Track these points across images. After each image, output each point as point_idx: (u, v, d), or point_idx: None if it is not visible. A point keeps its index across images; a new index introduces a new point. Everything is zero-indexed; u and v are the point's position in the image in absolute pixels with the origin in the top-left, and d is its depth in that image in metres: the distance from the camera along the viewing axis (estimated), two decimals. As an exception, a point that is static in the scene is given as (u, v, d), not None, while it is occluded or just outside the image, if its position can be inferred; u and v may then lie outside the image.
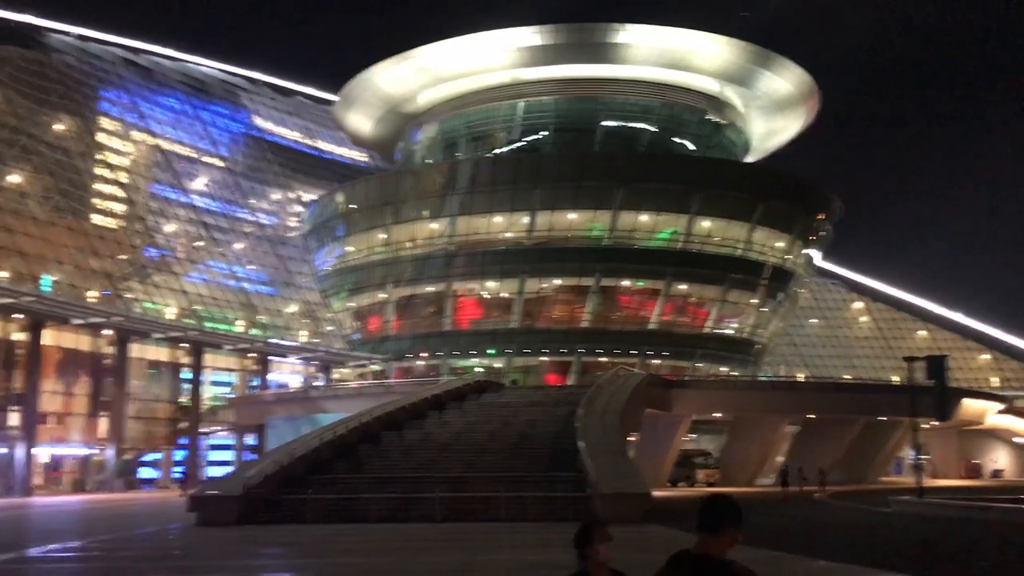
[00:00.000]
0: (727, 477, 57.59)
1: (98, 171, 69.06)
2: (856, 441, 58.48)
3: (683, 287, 69.15)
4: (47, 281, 54.66)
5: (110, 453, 56.69)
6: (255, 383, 70.28)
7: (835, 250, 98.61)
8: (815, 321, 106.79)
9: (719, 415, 61.04)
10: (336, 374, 75.14)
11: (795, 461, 56.10)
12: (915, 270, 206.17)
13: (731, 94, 77.87)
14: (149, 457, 62.80)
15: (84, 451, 56.90)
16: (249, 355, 69.01)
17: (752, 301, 71.69)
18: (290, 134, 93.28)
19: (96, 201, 67.56)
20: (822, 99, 78.85)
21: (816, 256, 78.93)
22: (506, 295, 68.36)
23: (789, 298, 76.13)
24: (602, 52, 72.49)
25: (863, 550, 21.26)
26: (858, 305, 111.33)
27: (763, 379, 74.17)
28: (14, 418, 51.25)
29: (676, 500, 41.56)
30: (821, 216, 73.45)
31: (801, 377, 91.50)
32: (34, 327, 51.57)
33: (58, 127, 66.76)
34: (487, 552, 20.69)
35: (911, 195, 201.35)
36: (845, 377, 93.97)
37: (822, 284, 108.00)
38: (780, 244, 70.88)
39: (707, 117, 79.18)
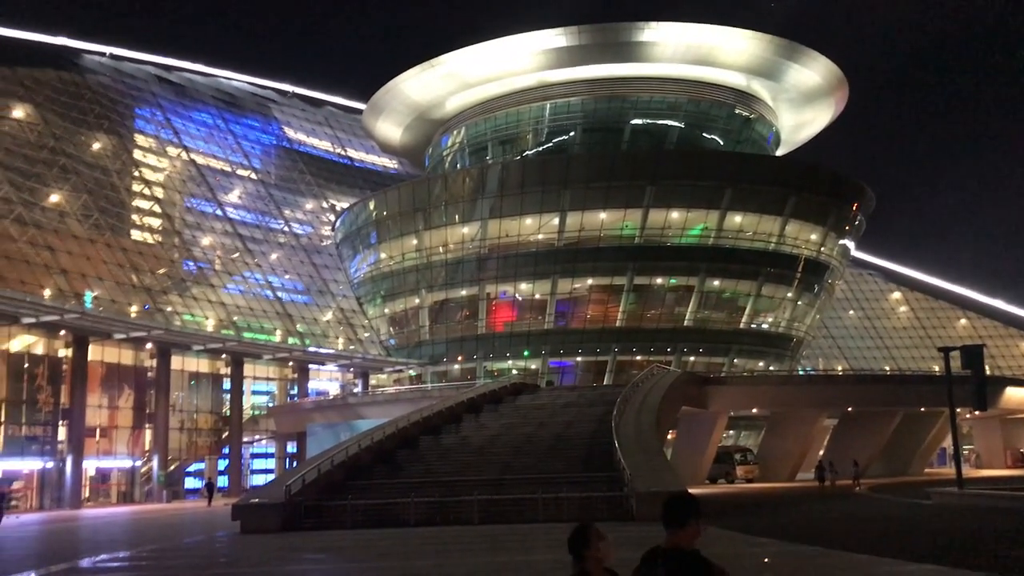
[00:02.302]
0: (766, 473, 57.36)
1: (135, 188, 70.41)
2: (896, 433, 57.98)
3: (717, 283, 68.95)
4: (89, 297, 55.88)
5: (155, 465, 57.77)
6: (294, 391, 71.20)
7: (871, 240, 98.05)
8: (852, 313, 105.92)
9: (756, 411, 60.85)
10: (373, 380, 75.88)
11: (833, 454, 55.84)
12: (953, 258, 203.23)
13: (759, 88, 77.48)
14: (193, 467, 63.86)
15: (130, 463, 58.07)
16: (288, 364, 69.93)
17: (787, 295, 71.26)
18: (321, 144, 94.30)
19: (134, 217, 68.90)
20: (852, 89, 78.26)
21: (851, 247, 78.27)
22: (539, 296, 68.61)
23: (825, 290, 75.54)
24: (628, 51, 72.47)
25: (901, 543, 21.23)
26: (896, 295, 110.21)
27: (799, 373, 73.85)
28: (62, 432, 52.42)
29: (715, 497, 41.56)
30: (854, 207, 72.83)
31: (839, 370, 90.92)
32: (79, 343, 52.72)
33: (95, 146, 68.18)
34: (524, 553, 20.99)
35: (948, 183, 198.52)
36: (884, 369, 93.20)
37: (858, 275, 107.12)
38: (814, 236, 70.38)
39: (736, 112, 78.87)
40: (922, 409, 56.98)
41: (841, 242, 73.78)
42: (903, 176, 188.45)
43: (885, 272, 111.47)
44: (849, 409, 57.85)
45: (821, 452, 62.07)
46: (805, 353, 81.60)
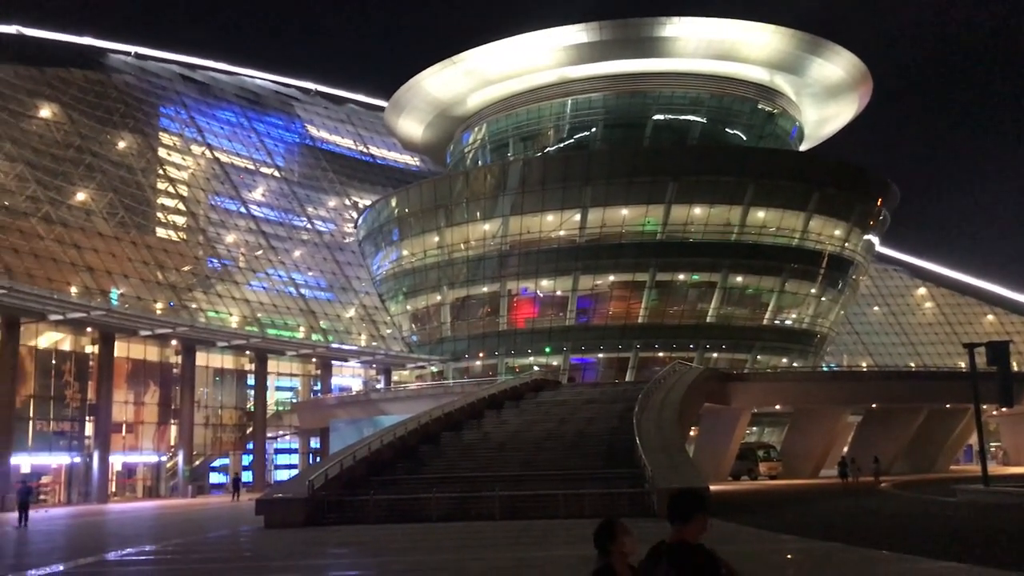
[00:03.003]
0: (790, 469, 57.11)
1: (160, 186, 71.09)
2: (921, 430, 57.59)
3: (739, 279, 68.67)
4: (115, 295, 56.51)
5: (180, 460, 58.36)
6: (317, 387, 71.65)
7: (896, 236, 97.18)
8: (877, 309, 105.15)
9: (780, 407, 60.59)
10: (396, 376, 76.21)
11: (857, 451, 55.51)
12: (980, 253, 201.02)
13: (782, 82, 76.98)
14: (218, 463, 64.44)
15: (155, 458, 58.70)
16: (311, 360, 70.38)
17: (811, 291, 70.84)
18: (343, 142, 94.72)
19: (159, 215, 69.56)
20: (876, 84, 77.60)
21: (876, 243, 77.66)
22: (560, 293, 68.61)
23: (849, 286, 75.02)
24: (649, 46, 72.21)
25: (924, 540, 21.10)
26: (921, 291, 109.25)
27: (823, 370, 73.40)
28: (89, 428, 53.08)
29: (737, 494, 41.48)
30: (879, 202, 72.26)
31: (864, 366, 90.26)
32: (105, 340, 53.33)
33: (121, 144, 68.90)
34: (544, 549, 21.05)
35: (975, 177, 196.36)
36: (909, 365, 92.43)
37: (883, 271, 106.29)
38: (837, 232, 69.90)
39: (758, 107, 78.41)
40: (947, 406, 56.53)
41: (865, 237, 73.22)
42: (929, 170, 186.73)
43: (910, 268, 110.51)
44: (873, 406, 57.50)
45: (845, 449, 61.71)
46: (829, 349, 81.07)
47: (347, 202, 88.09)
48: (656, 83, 75.61)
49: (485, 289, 70.73)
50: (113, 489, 55.16)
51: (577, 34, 71.60)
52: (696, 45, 71.82)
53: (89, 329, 52.53)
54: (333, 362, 70.88)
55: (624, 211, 66.38)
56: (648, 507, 26.10)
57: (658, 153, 71.08)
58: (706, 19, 71.89)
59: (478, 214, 69.93)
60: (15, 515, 34.47)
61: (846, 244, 70.87)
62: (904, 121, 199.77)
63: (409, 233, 73.53)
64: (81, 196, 60.93)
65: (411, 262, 73.97)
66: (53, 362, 52.71)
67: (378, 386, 72.96)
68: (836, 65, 74.37)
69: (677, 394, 41.64)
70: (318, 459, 60.32)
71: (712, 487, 32.57)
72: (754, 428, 68.37)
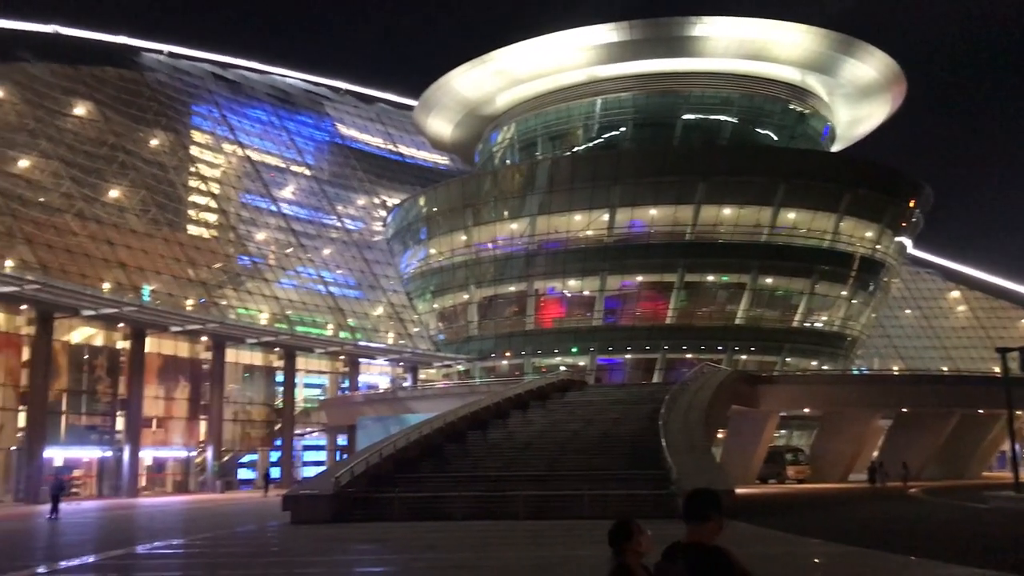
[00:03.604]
0: (819, 473, 56.62)
1: (192, 183, 71.85)
2: (953, 435, 56.78)
3: (769, 281, 68.16)
4: (147, 291, 57.20)
5: (209, 455, 58.94)
6: (345, 385, 72.05)
7: (929, 238, 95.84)
8: (909, 312, 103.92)
9: (808, 410, 60.06)
10: (423, 374, 76.47)
11: (887, 456, 54.95)
12: (1015, 256, 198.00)
13: (814, 82, 76.25)
14: (246, 458, 65.00)
15: (185, 453, 59.34)
16: (339, 357, 70.79)
17: (842, 293, 70.17)
18: (373, 140, 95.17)
19: (191, 212, 70.29)
20: (910, 84, 76.60)
21: (908, 245, 76.75)
22: (588, 293, 68.47)
23: (880, 289, 74.21)
24: (680, 46, 71.83)
25: (952, 546, 20.84)
26: (954, 294, 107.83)
27: (852, 373, 72.67)
28: (120, 422, 53.76)
29: (765, 497, 41.20)
30: (911, 203, 71.40)
31: (895, 370, 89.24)
32: (136, 335, 53.96)
33: (153, 142, 69.69)
34: (567, 548, 21.04)
35: (1010, 179, 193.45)
36: (941, 369, 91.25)
37: (915, 273, 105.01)
38: (869, 234, 69.17)
39: (790, 107, 77.74)
40: (980, 411, 55.70)
41: (897, 239, 72.39)
42: (963, 172, 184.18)
43: (943, 270, 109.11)
44: (904, 410, 56.81)
45: (875, 453, 61.07)
46: (860, 352, 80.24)
47: (376, 201, 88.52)
48: (686, 83, 75.16)
49: (512, 288, 70.75)
50: (143, 483, 55.79)
51: (607, 33, 71.36)
52: (727, 45, 71.34)
53: (121, 325, 53.18)
54: (361, 360, 71.26)
55: (653, 211, 66.11)
56: (673, 509, 25.91)
57: (688, 153, 70.72)
58: (737, 19, 71.39)
59: (506, 213, 69.96)
60: (48, 507, 35.04)
61: (878, 246, 70.11)
62: (939, 122, 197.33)
63: (437, 232, 73.72)
64: (114, 193, 61.70)
65: (439, 261, 74.17)
66: (85, 357, 53.46)
67: (405, 384, 73.24)
68: (869, 65, 73.53)
69: (704, 396, 41.43)
70: (345, 456, 60.66)
71: (739, 490, 32.38)
72: (783, 431, 67.81)
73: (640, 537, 5.25)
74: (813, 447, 61.36)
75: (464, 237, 71.70)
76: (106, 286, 53.49)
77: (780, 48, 71.79)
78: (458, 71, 76.50)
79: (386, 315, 77.38)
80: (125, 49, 74.68)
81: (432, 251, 74.83)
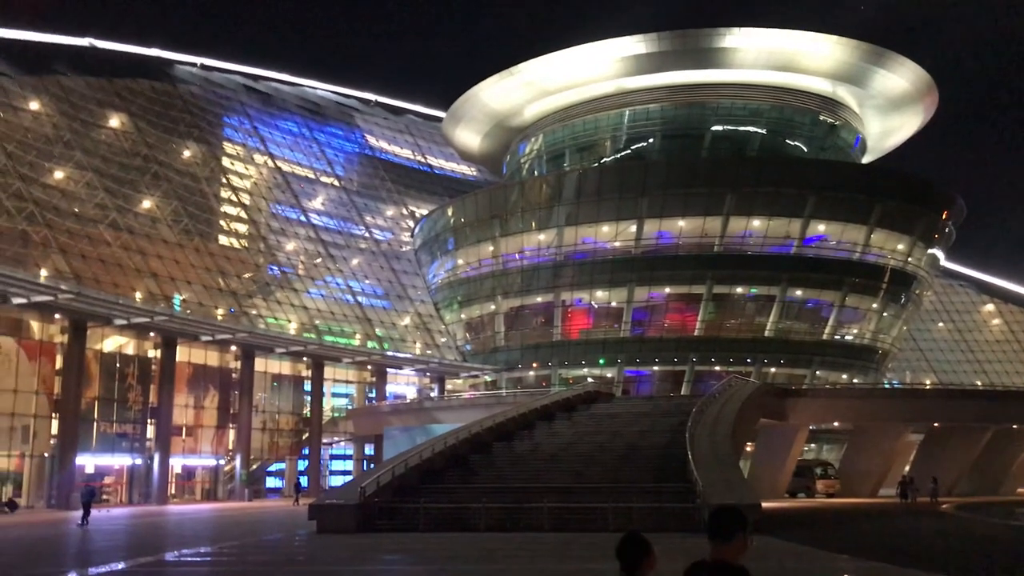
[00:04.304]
0: (848, 488, 55.96)
1: (223, 194, 72.67)
2: (987, 451, 55.95)
3: (799, 293, 67.65)
4: (178, 300, 57.85)
5: (237, 464, 59.36)
6: (372, 394, 72.35)
7: (962, 251, 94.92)
8: (942, 325, 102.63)
9: (838, 424, 59.45)
10: (449, 385, 76.62)
11: (919, 471, 54.24)
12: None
13: (844, 94, 75.75)
14: (274, 467, 65.40)
15: (213, 461, 59.84)
16: (366, 367, 71.12)
17: (872, 306, 69.51)
18: (402, 152, 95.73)
19: (222, 223, 71.04)
20: (942, 94, 75.89)
21: (940, 257, 75.87)
22: (615, 304, 68.31)
23: (912, 301, 73.39)
24: (709, 57, 71.69)
25: (983, 564, 20.52)
26: (989, 307, 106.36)
27: (883, 387, 71.88)
28: (150, 430, 54.34)
29: (793, 511, 40.78)
30: (943, 215, 70.61)
31: (928, 383, 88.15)
32: (167, 344, 54.58)
33: (186, 153, 70.61)
34: (591, 561, 20.95)
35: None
36: (975, 383, 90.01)
37: (948, 286, 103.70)
38: (900, 246, 68.49)
39: (820, 118, 77.29)
40: (1015, 426, 54.86)
41: (930, 252, 71.61)
42: (998, 183, 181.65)
43: (977, 283, 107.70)
44: (935, 424, 56.07)
45: (907, 468, 60.28)
46: (891, 366, 79.40)
47: (404, 211, 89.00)
48: (715, 94, 74.99)
49: (539, 299, 70.78)
50: (172, 491, 56.33)
51: (635, 45, 71.37)
52: (756, 56, 71.08)
53: (152, 334, 53.82)
54: (388, 370, 71.55)
55: (681, 222, 65.89)
56: (698, 523, 25.77)
57: (716, 164, 70.49)
58: (767, 30, 71.16)
59: (533, 224, 70.04)
60: (79, 514, 35.46)
61: (909, 258, 69.39)
62: (972, 133, 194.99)
63: (464, 242, 73.95)
64: (147, 204, 62.55)
65: (466, 271, 74.39)
66: (117, 365, 54.11)
67: (432, 394, 73.43)
68: (900, 76, 72.95)
69: (732, 409, 41.12)
70: (372, 465, 60.88)
71: (768, 504, 32.11)
72: (812, 445, 67.18)
73: (654, 553, 5.17)
74: (843, 461, 60.71)
75: (491, 248, 71.87)
76: (138, 295, 54.16)
77: (810, 59, 71.42)
78: (486, 83, 76.85)
79: (413, 325, 77.68)
80: (158, 61, 75.78)
81: (459, 261, 75.06)
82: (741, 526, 5.19)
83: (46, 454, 48.70)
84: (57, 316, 48.17)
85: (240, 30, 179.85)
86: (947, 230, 72.40)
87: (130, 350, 55.21)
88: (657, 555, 5.18)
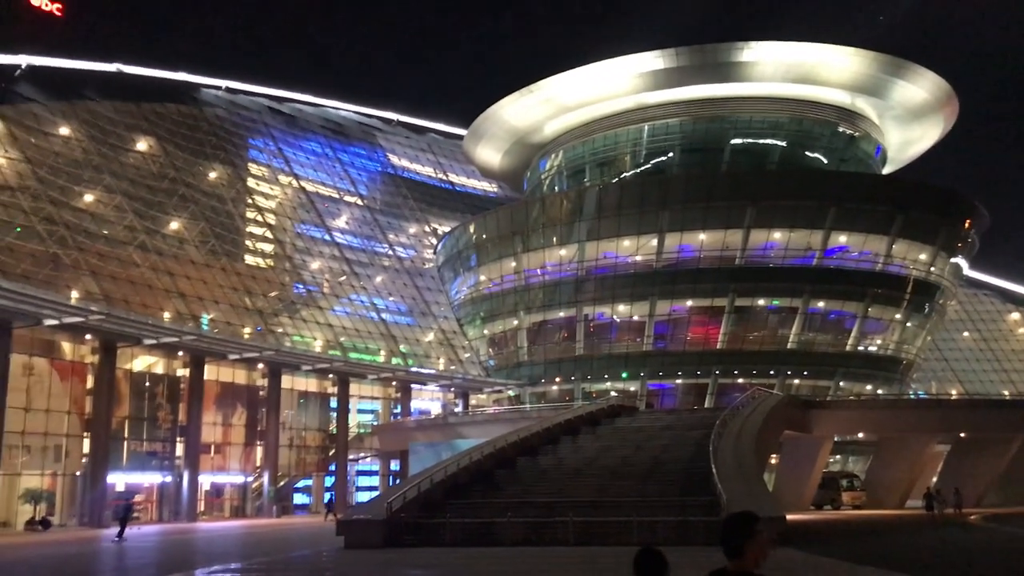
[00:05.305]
0: (874, 499, 55.74)
1: (249, 215, 73.75)
2: (1015, 461, 55.47)
3: (821, 304, 67.57)
4: (206, 320, 58.73)
5: (265, 480, 59.97)
6: (397, 410, 72.87)
7: (987, 259, 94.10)
8: (967, 334, 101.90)
9: (863, 435, 59.25)
10: (473, 400, 77.00)
11: (946, 482, 53.94)
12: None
13: (864, 105, 75.75)
14: (301, 484, 65.97)
15: (242, 478, 60.49)
16: (391, 383, 71.68)
17: (896, 316, 69.26)
18: (423, 170, 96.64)
19: (248, 243, 72.09)
20: (962, 104, 75.67)
21: (964, 266, 75.49)
22: (637, 318, 68.50)
23: (936, 311, 73.03)
24: (728, 71, 71.98)
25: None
26: (1014, 316, 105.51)
27: (908, 397, 71.54)
28: (179, 448, 55.07)
29: (819, 523, 40.77)
30: (966, 224, 70.34)
31: (954, 394, 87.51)
32: (195, 363, 55.36)
33: (212, 175, 71.76)
34: (618, 574, 21.24)
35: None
36: (1002, 393, 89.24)
37: (973, 295, 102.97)
38: (923, 256, 68.27)
39: (839, 130, 77.30)
40: (1042, 436, 54.41)
41: (953, 261, 71.29)
42: (1022, 191, 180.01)
43: (1002, 292, 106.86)
44: (962, 435, 55.75)
45: (934, 479, 59.93)
46: (916, 376, 78.96)
47: (427, 228, 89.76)
48: (734, 107, 75.22)
49: (561, 314, 71.10)
50: (202, 508, 56.97)
51: (654, 60, 71.79)
52: (775, 69, 71.31)
53: (181, 353, 54.60)
54: (412, 386, 72.06)
55: (702, 236, 66.07)
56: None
57: (736, 177, 70.65)
58: (784, 43, 71.38)
59: (555, 239, 70.46)
60: (112, 531, 36.11)
61: (932, 268, 69.13)
62: (996, 140, 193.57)
63: (487, 259, 74.48)
64: (175, 225, 63.60)
65: (488, 287, 74.88)
66: (147, 384, 55.00)
67: (456, 410, 73.84)
68: (919, 86, 72.88)
69: (755, 421, 41.22)
70: (397, 481, 61.30)
71: (793, 516, 32.19)
72: (837, 456, 66.94)
73: (669, 568, 5.27)
74: (868, 473, 60.48)
75: (513, 263, 72.34)
76: (166, 316, 55.07)
77: (829, 71, 71.55)
78: (507, 101, 77.52)
79: (437, 341, 78.23)
80: (184, 85, 77.14)
81: (482, 277, 75.58)
82: (747, 535, 5.19)
83: (78, 473, 49.49)
84: (88, 337, 49.05)
85: (264, 53, 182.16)
86: (970, 239, 72.08)
87: (159, 369, 56.08)
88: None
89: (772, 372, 65.83)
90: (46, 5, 62.22)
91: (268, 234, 73.80)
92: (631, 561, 5.28)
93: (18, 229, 52.17)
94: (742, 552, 5.19)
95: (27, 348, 47.01)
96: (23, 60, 61.10)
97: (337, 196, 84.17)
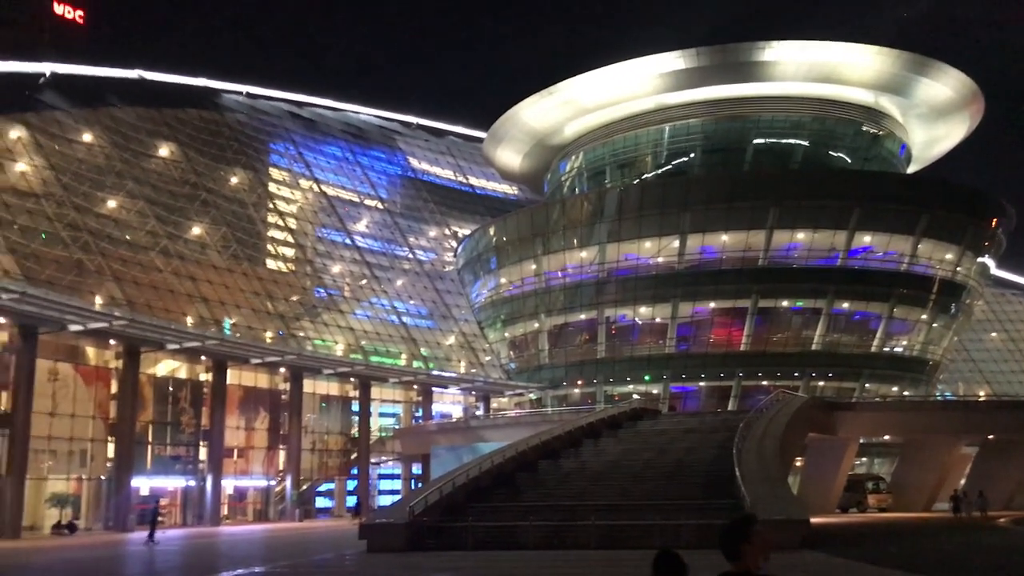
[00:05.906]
0: (901, 502, 55.08)
1: (270, 219, 74.07)
2: (1044, 463, 54.66)
3: (846, 305, 66.92)
4: (228, 324, 58.98)
5: (288, 484, 60.12)
6: (419, 414, 72.86)
7: (1015, 259, 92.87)
8: (995, 335, 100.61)
9: (889, 438, 58.60)
10: (495, 403, 76.86)
11: (974, 484, 53.22)
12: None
13: (887, 104, 74.95)
14: (324, 487, 66.07)
15: (264, 482, 60.67)
16: (412, 387, 71.69)
17: (921, 317, 68.45)
18: (443, 173, 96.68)
19: (269, 247, 72.36)
20: (989, 101, 74.71)
21: (991, 266, 74.51)
22: (659, 320, 68.10)
23: (962, 312, 72.12)
24: (749, 71, 71.45)
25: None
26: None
27: (934, 399, 70.70)
28: (203, 452, 55.32)
29: (844, 526, 40.29)
30: (993, 224, 69.43)
31: (981, 395, 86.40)
32: (218, 367, 55.58)
33: (233, 180, 72.09)
34: (640, 578, 21.03)
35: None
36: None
37: (1000, 295, 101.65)
38: (949, 256, 67.43)
39: (863, 129, 76.53)
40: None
41: (979, 261, 70.37)
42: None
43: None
44: (990, 437, 54.98)
45: (962, 482, 59.14)
46: (943, 377, 78.00)
47: (447, 232, 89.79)
48: (756, 107, 74.62)
49: (583, 316, 70.82)
50: (225, 512, 57.15)
51: (675, 61, 71.35)
52: (797, 68, 70.70)
53: (203, 357, 54.83)
54: (434, 389, 72.03)
55: (724, 237, 65.59)
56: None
57: (759, 178, 70.12)
58: (807, 42, 70.71)
59: (575, 241, 70.20)
60: (138, 534, 36.32)
61: (958, 268, 68.27)
62: (1023, 138, 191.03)
63: (507, 261, 74.33)
64: (197, 230, 63.95)
65: (509, 290, 74.73)
66: (170, 389, 55.28)
67: (477, 413, 73.76)
68: (944, 84, 72.01)
69: (779, 424, 40.84)
70: (419, 484, 61.25)
71: (819, 519, 31.82)
72: (863, 459, 66.19)
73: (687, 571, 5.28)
74: (895, 475, 59.77)
75: (534, 266, 72.15)
76: (189, 320, 55.35)
77: (851, 70, 70.86)
78: (526, 103, 77.36)
79: (458, 344, 78.18)
80: (205, 91, 77.61)
81: (502, 280, 75.45)
82: (742, 539, 5.29)
83: (102, 477, 49.81)
84: (112, 342, 49.35)
85: (284, 58, 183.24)
86: (997, 238, 71.14)
87: (182, 374, 56.35)
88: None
89: (796, 374, 65.21)
90: (68, 12, 62.78)
91: (289, 238, 74.07)
92: (650, 563, 5.33)
93: (43, 236, 52.63)
94: (739, 554, 5.30)
95: (52, 353, 47.39)
96: (47, 68, 61.67)
97: (357, 200, 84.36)
